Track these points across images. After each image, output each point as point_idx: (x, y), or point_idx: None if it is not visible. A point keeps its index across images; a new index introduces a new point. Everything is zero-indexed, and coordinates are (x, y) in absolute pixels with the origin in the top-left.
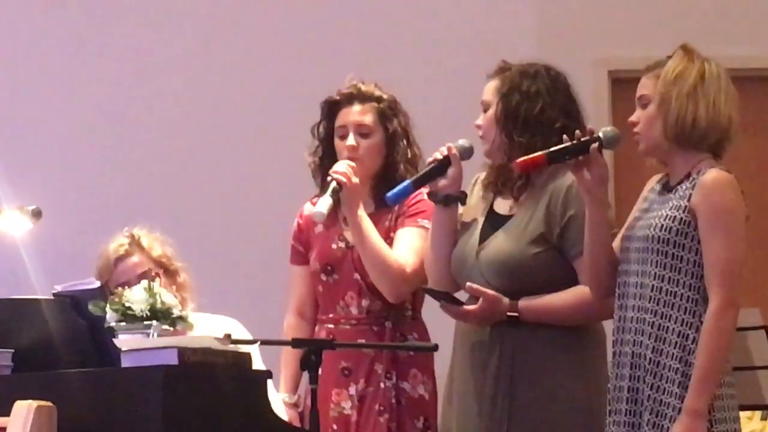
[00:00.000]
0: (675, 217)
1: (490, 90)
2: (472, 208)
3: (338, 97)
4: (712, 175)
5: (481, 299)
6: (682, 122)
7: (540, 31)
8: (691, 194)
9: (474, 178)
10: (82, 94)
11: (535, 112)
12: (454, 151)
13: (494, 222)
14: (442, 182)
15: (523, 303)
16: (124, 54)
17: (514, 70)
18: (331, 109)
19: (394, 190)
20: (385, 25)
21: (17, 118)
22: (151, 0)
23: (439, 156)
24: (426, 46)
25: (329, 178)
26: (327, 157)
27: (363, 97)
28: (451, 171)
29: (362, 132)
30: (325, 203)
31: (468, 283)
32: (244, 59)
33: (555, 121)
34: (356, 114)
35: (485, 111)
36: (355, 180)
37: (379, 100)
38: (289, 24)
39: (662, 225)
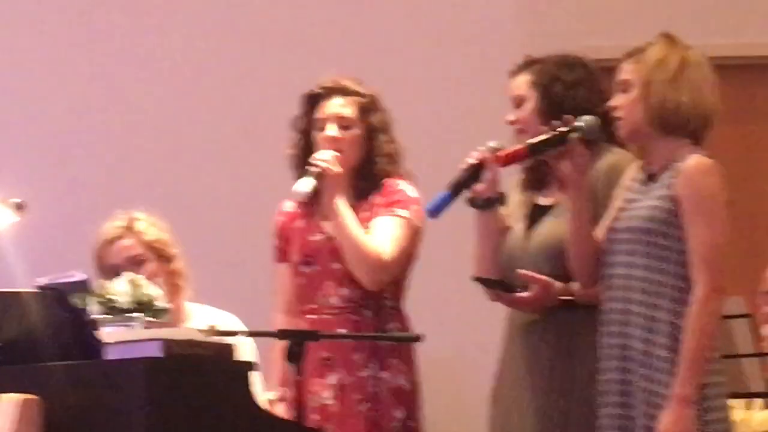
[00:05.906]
0: (659, 206)
1: (521, 84)
2: (514, 213)
3: (319, 90)
4: (693, 161)
5: (533, 285)
6: (665, 108)
7: (523, 21)
8: (673, 182)
9: (509, 184)
10: (66, 85)
11: (580, 100)
12: (486, 154)
13: (539, 214)
14: (479, 187)
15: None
16: (112, 44)
17: (549, 62)
18: (312, 101)
19: (433, 202)
20: (365, 25)
21: None
22: None
23: (470, 161)
24: (406, 40)
25: (311, 166)
26: (306, 149)
27: (344, 91)
28: (486, 174)
29: (343, 124)
30: (307, 183)
31: (520, 270)
32: (237, 56)
33: (597, 107)
34: (337, 106)
35: (518, 106)
36: (338, 169)
37: (359, 94)
38: (283, 23)
39: (647, 215)
